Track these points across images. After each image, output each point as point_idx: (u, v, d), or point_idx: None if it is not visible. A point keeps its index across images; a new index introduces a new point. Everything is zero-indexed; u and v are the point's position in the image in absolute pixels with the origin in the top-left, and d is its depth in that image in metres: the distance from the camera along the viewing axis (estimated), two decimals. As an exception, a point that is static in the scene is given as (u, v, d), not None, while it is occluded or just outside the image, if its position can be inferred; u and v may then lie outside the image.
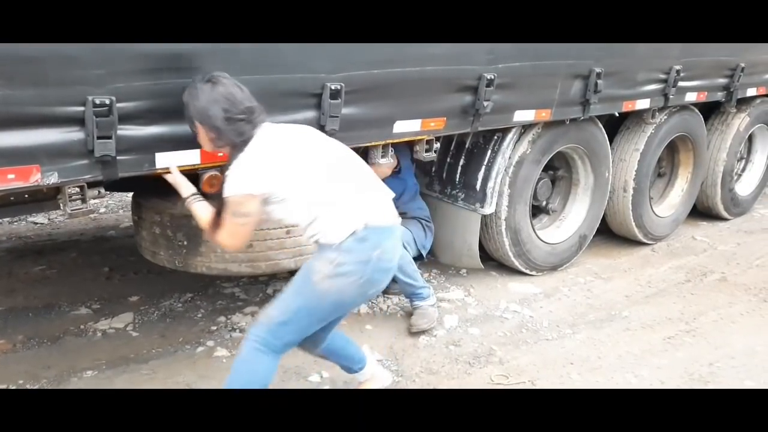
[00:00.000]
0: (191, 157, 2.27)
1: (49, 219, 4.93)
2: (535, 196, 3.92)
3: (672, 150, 4.73)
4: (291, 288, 2.15)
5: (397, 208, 3.45)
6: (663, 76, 4.00)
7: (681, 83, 4.12)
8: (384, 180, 3.28)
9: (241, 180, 2.01)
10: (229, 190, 2.02)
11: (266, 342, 2.14)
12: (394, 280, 3.36)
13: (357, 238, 2.06)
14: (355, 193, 2.13)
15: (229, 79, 2.09)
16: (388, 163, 2.99)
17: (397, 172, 3.35)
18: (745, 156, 5.57)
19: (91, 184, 2.14)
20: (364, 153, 2.95)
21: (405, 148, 3.29)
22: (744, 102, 4.97)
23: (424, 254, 3.57)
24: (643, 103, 4.01)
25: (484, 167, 3.56)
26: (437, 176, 3.79)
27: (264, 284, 3.74)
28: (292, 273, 3.59)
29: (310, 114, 2.52)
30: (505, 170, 3.57)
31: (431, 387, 2.84)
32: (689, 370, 3.05)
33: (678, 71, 4.02)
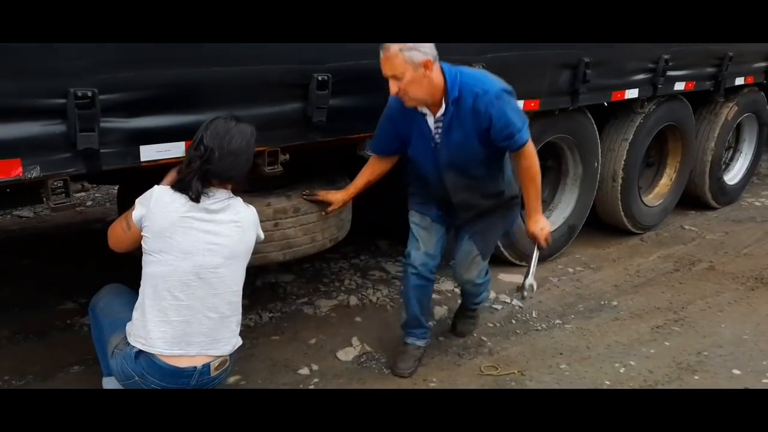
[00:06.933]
0: (176, 150, 2.24)
1: (34, 212, 4.88)
2: (524, 187, 3.91)
3: (661, 139, 4.73)
4: None
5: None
6: (652, 66, 4.01)
7: (669, 72, 4.12)
8: None
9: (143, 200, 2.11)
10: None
11: None
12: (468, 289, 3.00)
13: (130, 356, 2.09)
14: (180, 311, 2.08)
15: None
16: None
17: None
18: (733, 145, 5.59)
19: (75, 178, 2.10)
20: (353, 145, 2.94)
21: None
22: (732, 91, 4.97)
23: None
24: (632, 93, 4.01)
25: (473, 158, 3.53)
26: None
27: (253, 276, 3.71)
28: (280, 265, 3.61)
29: (297, 105, 2.49)
30: (495, 161, 3.55)
31: (420, 378, 2.84)
32: (677, 359, 3.07)
33: (666, 60, 4.02)
